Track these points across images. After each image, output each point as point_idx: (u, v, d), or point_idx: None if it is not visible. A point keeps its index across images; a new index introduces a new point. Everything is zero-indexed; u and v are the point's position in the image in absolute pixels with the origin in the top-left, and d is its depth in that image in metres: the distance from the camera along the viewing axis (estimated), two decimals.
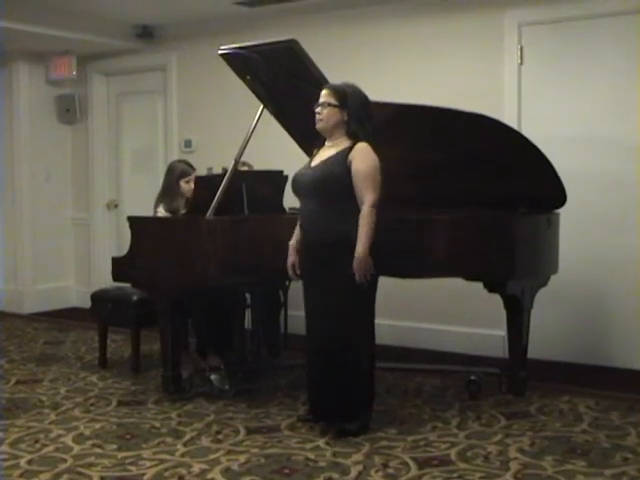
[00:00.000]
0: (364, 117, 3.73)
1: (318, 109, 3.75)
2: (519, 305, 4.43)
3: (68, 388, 4.76)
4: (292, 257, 3.95)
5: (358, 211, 3.63)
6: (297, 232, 3.95)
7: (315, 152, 3.90)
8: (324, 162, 3.75)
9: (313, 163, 3.83)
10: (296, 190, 3.87)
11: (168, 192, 5.01)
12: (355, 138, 3.71)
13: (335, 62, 5.18)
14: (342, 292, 3.66)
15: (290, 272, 3.97)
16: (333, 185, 3.67)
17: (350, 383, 3.75)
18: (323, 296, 3.77)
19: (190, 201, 4.90)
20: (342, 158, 3.67)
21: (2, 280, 7.60)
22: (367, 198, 3.60)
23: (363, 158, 3.64)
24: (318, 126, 3.77)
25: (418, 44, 5.74)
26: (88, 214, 7.71)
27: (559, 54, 5.23)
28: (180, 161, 5.31)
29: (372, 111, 3.78)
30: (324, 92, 3.77)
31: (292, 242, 3.96)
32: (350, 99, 3.72)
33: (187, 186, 4.98)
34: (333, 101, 3.72)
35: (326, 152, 3.79)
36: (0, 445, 3.74)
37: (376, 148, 3.69)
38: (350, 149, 3.68)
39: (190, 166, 5.13)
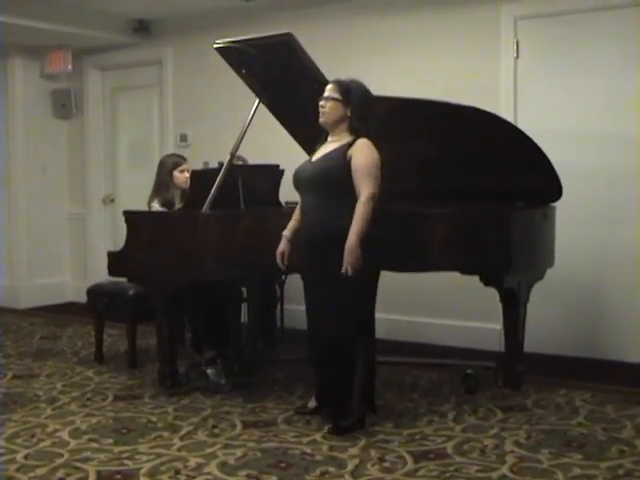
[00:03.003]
0: (366, 113, 3.73)
1: (322, 102, 3.75)
2: (515, 299, 4.43)
3: (64, 383, 4.75)
4: (283, 246, 3.95)
5: None
6: (292, 224, 3.95)
7: (317, 147, 3.89)
8: (324, 157, 3.75)
9: (314, 158, 3.83)
10: (297, 185, 3.87)
11: (161, 186, 5.02)
12: (356, 134, 3.72)
13: (331, 56, 5.18)
14: (342, 287, 3.63)
15: (279, 260, 3.96)
16: (333, 180, 3.66)
17: (347, 376, 3.75)
18: (323, 290, 3.75)
19: (186, 194, 4.90)
20: (342, 153, 3.67)
21: None
22: (365, 192, 3.59)
23: (363, 153, 3.63)
24: (321, 119, 3.77)
25: (414, 38, 5.74)
26: (84, 209, 7.70)
27: (555, 48, 5.23)
28: (170, 155, 5.33)
29: (376, 107, 3.77)
30: (329, 86, 3.77)
31: (285, 232, 3.96)
32: (354, 95, 3.72)
33: (181, 176, 5.00)
34: (337, 95, 3.72)
35: (327, 147, 3.79)
36: None
37: (377, 144, 3.69)
38: (351, 144, 3.68)
39: (181, 157, 5.18)
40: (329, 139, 3.82)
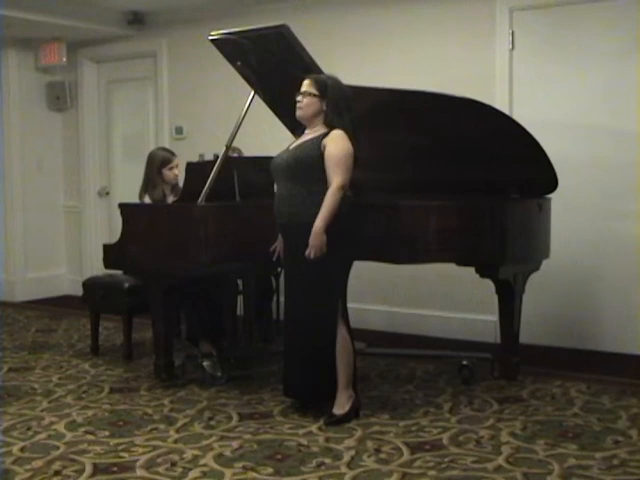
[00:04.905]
0: (342, 108, 3.81)
1: (299, 98, 3.84)
2: (511, 290, 4.44)
3: (60, 376, 4.75)
4: (277, 241, 4.06)
5: None
6: None
7: (296, 139, 3.99)
8: (299, 145, 3.85)
9: (291, 146, 3.93)
10: (272, 172, 3.95)
11: (150, 182, 4.97)
12: (332, 127, 3.79)
13: (326, 48, 5.18)
14: (313, 273, 3.71)
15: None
16: (305, 168, 3.75)
17: (323, 364, 3.78)
18: (296, 278, 3.86)
19: (178, 188, 4.88)
20: (317, 142, 3.76)
21: None
22: (335, 181, 3.67)
23: (337, 143, 3.71)
24: (298, 114, 3.86)
25: (409, 29, 5.72)
26: (79, 202, 7.69)
27: (551, 39, 5.22)
28: (159, 149, 5.26)
29: (352, 103, 3.84)
30: (306, 82, 3.85)
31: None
32: (330, 90, 3.80)
33: (171, 173, 4.96)
34: (313, 91, 3.81)
35: (303, 138, 3.89)
36: None
37: (352, 137, 3.76)
38: (325, 135, 3.76)
39: (170, 153, 5.12)
40: (306, 132, 3.91)
